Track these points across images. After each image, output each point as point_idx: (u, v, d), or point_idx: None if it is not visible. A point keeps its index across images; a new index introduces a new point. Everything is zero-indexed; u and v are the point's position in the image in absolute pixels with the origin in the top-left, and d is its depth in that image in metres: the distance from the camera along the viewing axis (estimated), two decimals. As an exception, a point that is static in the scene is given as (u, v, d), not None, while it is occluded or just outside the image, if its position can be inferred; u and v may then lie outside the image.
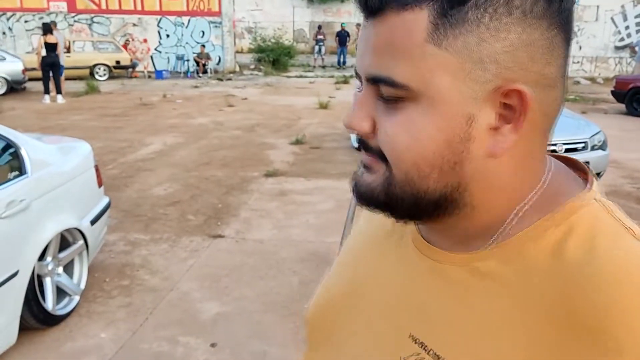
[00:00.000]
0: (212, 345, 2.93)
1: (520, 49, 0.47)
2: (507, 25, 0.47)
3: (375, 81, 0.51)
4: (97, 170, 3.64)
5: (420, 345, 0.53)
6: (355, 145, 7.06)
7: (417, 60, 0.48)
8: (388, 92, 0.50)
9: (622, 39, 19.01)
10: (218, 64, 19.60)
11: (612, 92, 11.92)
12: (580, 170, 0.59)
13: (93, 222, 3.44)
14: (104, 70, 17.01)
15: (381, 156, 0.53)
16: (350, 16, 27.28)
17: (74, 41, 17.18)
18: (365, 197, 0.56)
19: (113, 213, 4.74)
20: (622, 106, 11.47)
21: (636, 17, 18.76)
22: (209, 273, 3.80)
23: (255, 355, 2.86)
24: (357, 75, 0.55)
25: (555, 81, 0.50)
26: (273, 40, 21.17)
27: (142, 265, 3.91)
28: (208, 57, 18.82)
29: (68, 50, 15.79)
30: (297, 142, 8.05)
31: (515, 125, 0.49)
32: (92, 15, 19.12)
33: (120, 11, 19.12)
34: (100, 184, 3.68)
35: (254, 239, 4.43)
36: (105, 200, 3.77)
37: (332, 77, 18.26)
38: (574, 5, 0.51)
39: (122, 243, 4.31)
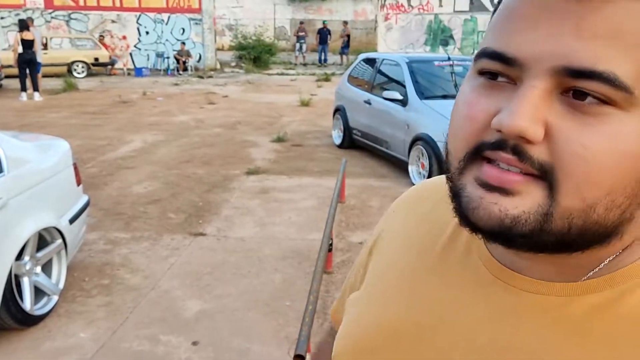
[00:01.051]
0: (194, 343, 2.92)
1: None
2: None
3: (571, 75, 0.40)
4: (75, 168, 3.59)
5: None
6: (338, 142, 7.10)
7: None
8: (597, 91, 0.39)
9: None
10: (199, 61, 19.46)
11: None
12: None
13: (72, 220, 3.40)
14: (82, 67, 16.78)
15: (536, 175, 0.41)
16: (332, 14, 27.33)
17: (51, 38, 16.91)
18: (502, 232, 0.43)
19: (92, 211, 4.69)
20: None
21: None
22: (190, 271, 3.78)
23: (238, 352, 2.85)
24: (500, 61, 0.43)
25: None
26: (254, 38, 21.09)
27: (122, 264, 3.87)
28: (188, 55, 18.68)
29: (45, 47, 15.53)
30: (279, 139, 8.04)
31: None
32: (70, 11, 18.82)
33: (99, 7, 18.86)
34: (79, 183, 3.63)
35: (236, 237, 4.42)
36: (85, 198, 3.72)
37: (314, 74, 18.26)
38: None
39: (102, 242, 4.26)
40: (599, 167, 0.40)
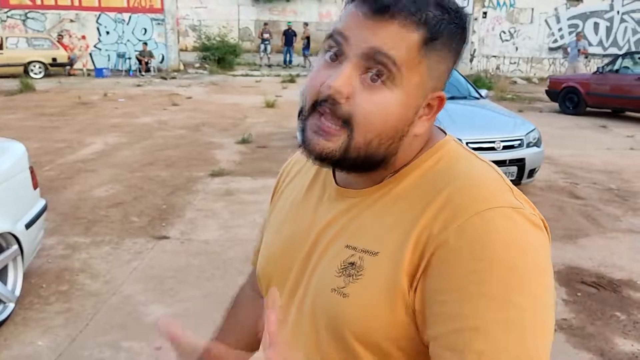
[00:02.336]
0: (157, 348, 2.86)
1: (448, 70, 0.74)
2: (449, 56, 0.72)
3: (373, 54, 0.67)
4: (32, 171, 3.49)
5: (353, 249, 0.74)
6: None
7: (409, 58, 0.68)
8: (381, 67, 0.67)
9: (555, 41, 19.92)
10: (161, 62, 19.16)
11: (546, 92, 12.49)
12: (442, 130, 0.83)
13: (28, 225, 3.30)
14: (40, 67, 16.30)
15: (344, 122, 0.70)
16: (296, 15, 27.30)
17: (6, 37, 16.37)
18: (323, 159, 0.72)
19: (51, 216, 4.56)
20: (556, 105, 12.04)
21: (568, 19, 19.70)
22: (153, 275, 3.72)
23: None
24: (339, 36, 0.70)
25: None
26: (218, 39, 20.88)
27: (82, 270, 3.78)
28: (151, 55, 18.36)
29: (0, 47, 15.02)
30: (244, 141, 7.99)
31: (431, 117, 0.76)
32: (26, 10, 18.27)
33: (56, 6, 18.36)
34: (35, 186, 3.53)
35: (200, 240, 4.37)
36: (42, 202, 3.62)
37: (279, 76, 18.22)
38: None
39: (61, 247, 4.15)
40: (373, 119, 0.69)
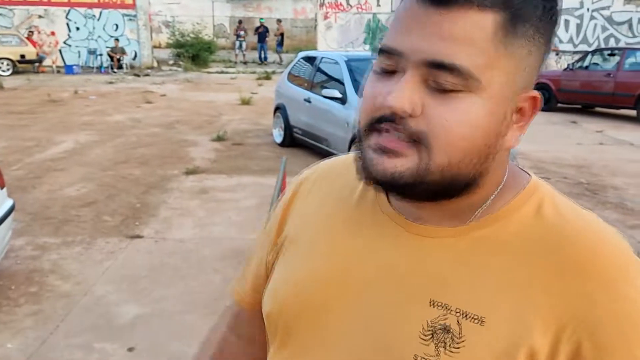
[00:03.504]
0: (130, 349, 2.82)
1: (538, 63, 0.58)
2: (539, 44, 0.57)
3: (435, 66, 0.54)
4: (-2, 170, 3.39)
5: (444, 307, 0.58)
6: (279, 141, 7.06)
7: (487, 55, 0.54)
8: (447, 80, 0.54)
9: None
10: (134, 59, 18.87)
11: (519, 88, 12.67)
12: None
13: (-5, 226, 3.21)
14: (7, 64, 15.92)
15: (415, 141, 0.56)
16: (271, 12, 27.20)
17: (-28, 33, 15.92)
18: (390, 183, 0.58)
19: (19, 216, 4.44)
20: (528, 101, 12.22)
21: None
22: (126, 275, 3.65)
23: (175, 356, 2.78)
24: (391, 54, 0.57)
25: None
26: (192, 35, 20.65)
27: (52, 270, 3.69)
28: (123, 52, 18.07)
29: (-35, 42, 14.60)
30: (219, 138, 7.92)
31: (523, 125, 0.61)
32: (-7, 5, 17.79)
33: (25, 2, 17.93)
34: (2, 186, 3.43)
35: (174, 239, 4.31)
36: (9, 202, 3.52)
37: (254, 73, 18.12)
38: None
39: (30, 247, 4.05)
40: (456, 134, 0.55)
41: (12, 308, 3.19)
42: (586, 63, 11.55)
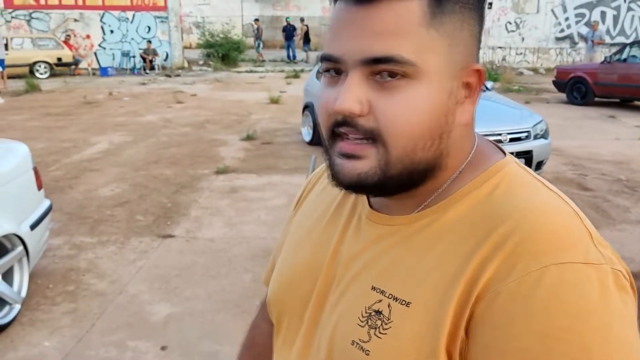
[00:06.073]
0: (163, 348, 2.87)
1: (474, 35, 0.60)
2: (469, 17, 0.58)
3: (377, 61, 0.55)
4: (36, 172, 3.48)
5: (380, 293, 0.61)
6: (307, 139, 7.05)
7: (419, 40, 0.55)
8: (391, 70, 0.55)
9: (562, 30, 19.74)
10: (165, 60, 19.18)
11: (554, 82, 12.38)
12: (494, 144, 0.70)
13: (33, 226, 3.29)
14: (45, 67, 16.35)
15: (371, 139, 0.58)
16: (300, 10, 27.24)
17: (11, 38, 16.42)
18: (359, 185, 0.60)
19: (56, 216, 4.57)
20: (563, 95, 11.93)
21: (575, 8, 19.51)
22: (158, 274, 3.71)
23: (207, 355, 2.81)
24: (330, 61, 0.59)
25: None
26: (222, 35, 20.85)
27: (88, 269, 3.78)
28: (155, 53, 18.38)
29: (6, 47, 15.06)
30: (248, 137, 7.97)
31: (473, 99, 0.61)
32: (31, 10, 18.33)
33: (60, 6, 18.40)
34: (40, 187, 3.52)
35: (205, 238, 4.36)
36: (47, 203, 3.61)
37: (283, 71, 18.18)
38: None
39: (67, 247, 4.15)
40: (405, 123, 0.57)
41: (50, 307, 3.28)
42: (624, 55, 11.18)
